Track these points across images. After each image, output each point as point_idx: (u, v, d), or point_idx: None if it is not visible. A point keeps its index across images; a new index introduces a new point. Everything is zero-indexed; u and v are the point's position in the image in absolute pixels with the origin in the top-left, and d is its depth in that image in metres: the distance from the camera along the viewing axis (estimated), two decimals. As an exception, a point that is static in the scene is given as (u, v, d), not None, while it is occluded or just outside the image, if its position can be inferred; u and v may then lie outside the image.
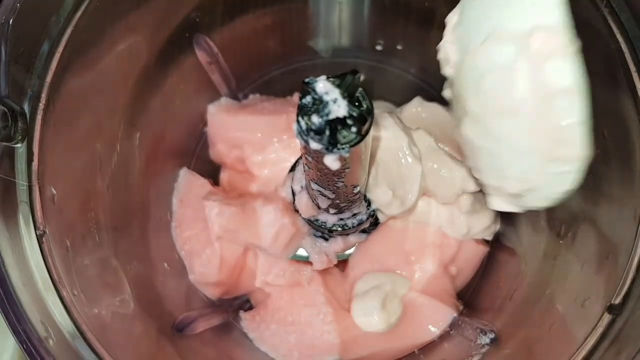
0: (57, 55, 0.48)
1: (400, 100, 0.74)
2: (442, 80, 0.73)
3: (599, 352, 0.43)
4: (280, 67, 0.76)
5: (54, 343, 0.42)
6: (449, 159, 0.64)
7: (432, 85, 0.76)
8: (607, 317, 0.43)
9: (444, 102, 0.72)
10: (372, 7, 0.70)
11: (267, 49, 0.73)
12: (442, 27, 0.66)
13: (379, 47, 0.74)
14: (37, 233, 0.45)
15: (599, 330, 0.43)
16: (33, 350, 0.41)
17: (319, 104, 0.38)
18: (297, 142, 0.68)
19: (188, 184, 0.70)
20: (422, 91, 0.74)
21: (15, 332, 0.40)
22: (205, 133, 0.74)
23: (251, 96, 0.76)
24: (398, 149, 0.59)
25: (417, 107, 0.70)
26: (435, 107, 0.71)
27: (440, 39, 0.68)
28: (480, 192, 0.65)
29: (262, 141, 0.71)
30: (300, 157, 0.65)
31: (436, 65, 0.73)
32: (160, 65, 0.62)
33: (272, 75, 0.77)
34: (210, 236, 0.66)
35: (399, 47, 0.73)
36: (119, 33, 0.55)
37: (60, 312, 0.44)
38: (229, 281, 0.67)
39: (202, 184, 0.70)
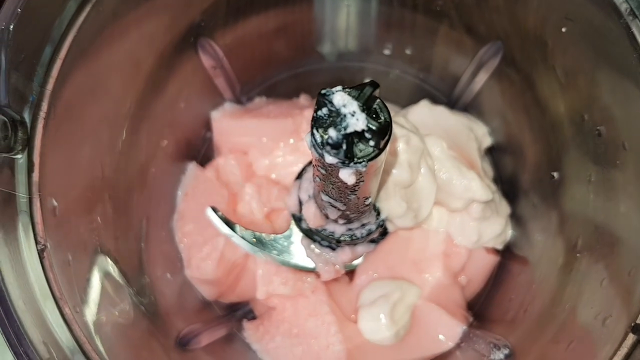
0: (59, 62, 0.46)
1: (406, 104, 0.73)
2: (450, 84, 0.72)
3: (623, 375, 0.41)
4: (285, 71, 0.75)
5: (56, 364, 0.40)
6: (460, 166, 0.62)
7: (439, 89, 0.74)
8: (631, 338, 0.42)
9: (451, 105, 0.71)
10: (381, 10, 0.68)
11: (272, 53, 0.72)
12: (454, 30, 0.65)
13: (386, 52, 0.72)
14: (38, 248, 0.44)
15: (623, 351, 0.41)
16: (35, 373, 0.39)
17: (336, 117, 0.37)
18: (305, 146, 0.68)
19: (195, 178, 0.69)
20: (429, 95, 0.73)
21: (17, 355, 0.38)
22: (209, 138, 0.72)
23: (257, 99, 0.75)
24: (413, 161, 0.57)
25: (424, 110, 0.69)
26: (442, 111, 0.69)
27: (449, 41, 0.67)
28: (491, 200, 0.64)
29: (268, 145, 0.70)
30: (307, 165, 0.63)
31: (444, 69, 0.72)
32: (164, 70, 0.60)
33: (277, 79, 0.75)
34: (212, 232, 0.65)
35: (407, 52, 0.71)
36: (122, 38, 0.53)
37: (63, 331, 0.43)
38: (226, 281, 0.66)
39: (209, 180, 0.69)
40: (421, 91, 0.74)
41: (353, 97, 0.37)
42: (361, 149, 0.38)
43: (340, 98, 0.36)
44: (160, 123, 0.63)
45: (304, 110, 0.70)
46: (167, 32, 0.58)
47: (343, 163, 0.37)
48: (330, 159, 0.37)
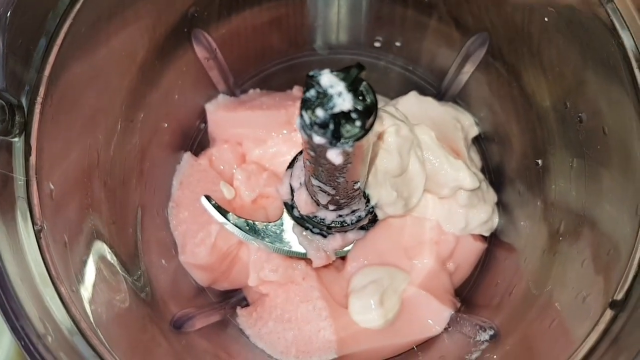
0: (55, 49, 0.47)
1: (396, 96, 0.74)
2: (439, 76, 0.73)
3: (601, 349, 0.43)
4: (278, 63, 0.76)
5: (52, 340, 0.41)
6: (447, 155, 0.63)
7: (428, 81, 0.76)
8: (609, 313, 0.43)
9: (440, 97, 0.73)
10: (371, 3, 0.69)
11: (266, 45, 0.73)
12: (442, 22, 0.66)
13: (377, 44, 0.74)
14: (35, 229, 0.45)
15: (601, 326, 0.43)
16: (32, 347, 0.40)
17: (323, 98, 0.38)
18: (298, 136, 0.69)
19: (190, 168, 0.70)
20: (418, 86, 0.74)
21: (14, 329, 0.40)
22: (203, 129, 0.73)
23: (251, 91, 0.76)
24: (403, 150, 0.59)
25: (412, 101, 0.70)
26: (429, 102, 0.70)
27: (438, 33, 0.69)
28: (478, 188, 0.65)
29: (261, 136, 0.71)
30: (299, 154, 0.64)
31: (432, 61, 0.74)
32: (158, 61, 0.61)
33: (270, 72, 0.76)
34: (206, 219, 0.66)
35: (397, 44, 0.72)
36: (117, 27, 0.54)
37: (59, 309, 0.44)
38: (219, 267, 0.67)
39: (204, 170, 0.70)
40: (410, 83, 0.75)
41: (340, 78, 0.38)
42: (348, 129, 0.39)
43: (328, 79, 0.38)
44: (155, 113, 0.64)
45: (296, 102, 0.71)
46: (161, 22, 0.59)
47: (330, 143, 0.39)
48: (318, 139, 0.38)
